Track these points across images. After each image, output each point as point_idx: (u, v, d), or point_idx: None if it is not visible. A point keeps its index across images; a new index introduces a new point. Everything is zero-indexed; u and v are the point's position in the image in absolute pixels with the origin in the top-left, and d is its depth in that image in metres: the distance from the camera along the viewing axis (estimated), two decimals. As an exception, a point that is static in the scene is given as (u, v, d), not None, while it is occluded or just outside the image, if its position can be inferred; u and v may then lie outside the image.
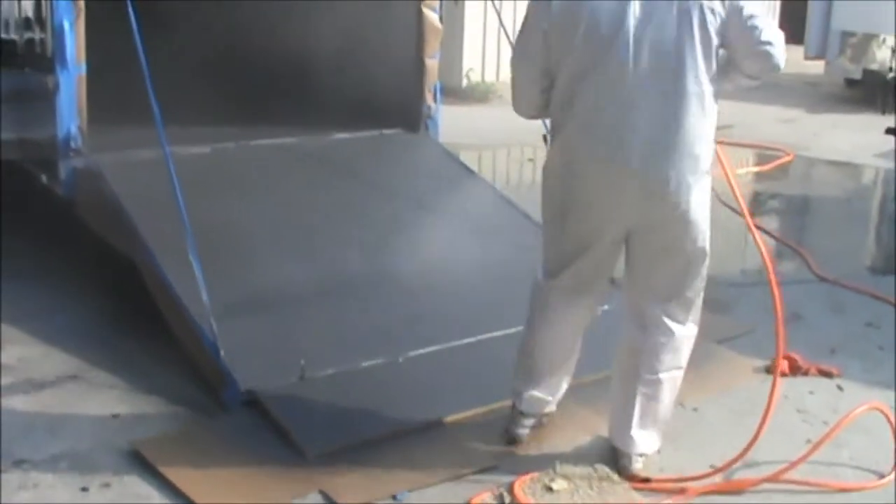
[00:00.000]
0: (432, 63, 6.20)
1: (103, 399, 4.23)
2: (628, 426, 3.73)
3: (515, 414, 3.94)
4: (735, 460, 3.78)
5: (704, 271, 3.67)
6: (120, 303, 5.17)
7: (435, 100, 6.26)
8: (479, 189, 5.84)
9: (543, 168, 3.74)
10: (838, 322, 5.48)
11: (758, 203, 8.44)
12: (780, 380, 4.52)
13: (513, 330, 4.58)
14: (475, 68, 11.50)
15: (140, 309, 4.80)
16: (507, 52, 11.69)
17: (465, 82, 11.23)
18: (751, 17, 3.43)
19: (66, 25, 5.08)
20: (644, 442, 3.76)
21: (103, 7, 5.12)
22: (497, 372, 4.04)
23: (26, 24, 5.78)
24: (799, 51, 16.48)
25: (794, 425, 4.23)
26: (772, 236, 7.08)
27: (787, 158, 9.58)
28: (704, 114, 3.45)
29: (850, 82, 12.98)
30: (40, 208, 5.96)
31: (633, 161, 3.43)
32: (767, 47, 3.44)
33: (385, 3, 6.22)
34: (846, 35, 12.59)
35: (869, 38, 12.39)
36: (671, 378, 3.73)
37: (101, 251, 5.19)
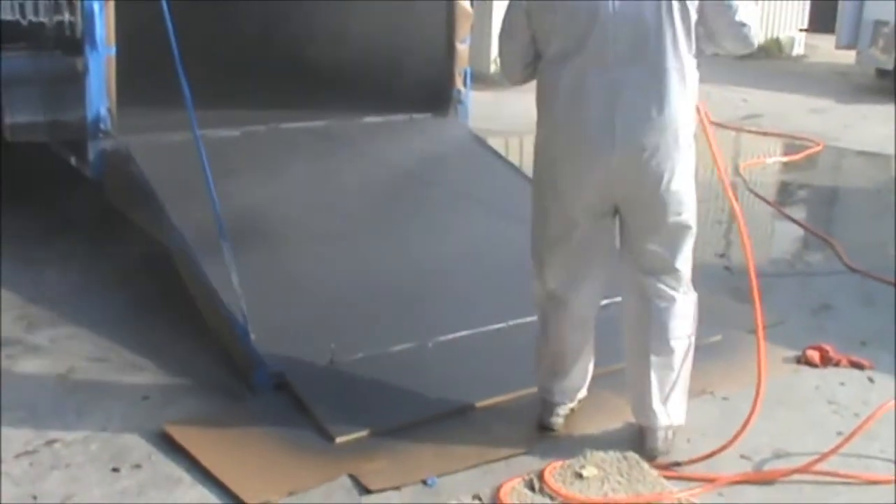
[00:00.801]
0: (463, 48, 6.16)
1: (133, 381, 4.25)
2: (648, 401, 3.73)
3: (547, 405, 3.93)
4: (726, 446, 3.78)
5: (691, 243, 3.69)
6: (149, 285, 5.19)
7: (465, 84, 6.22)
8: (509, 175, 5.79)
9: (533, 152, 3.78)
10: (869, 314, 5.42)
11: (787, 193, 8.39)
12: (812, 370, 4.60)
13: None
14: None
15: (169, 291, 4.82)
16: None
17: (492, 68, 11.18)
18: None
19: (96, 7, 5.08)
20: (666, 415, 3.75)
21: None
22: (527, 358, 4.01)
23: (56, 5, 5.79)
24: (829, 39, 16.39)
25: (825, 417, 4.19)
26: (801, 226, 7.03)
27: (816, 148, 9.49)
28: (685, 89, 3.51)
29: (882, 72, 12.85)
30: (69, 190, 5.98)
31: (617, 138, 3.47)
32: (743, 29, 3.55)
33: (417, -13, 6.20)
34: (879, 24, 12.45)
35: (901, 28, 12.26)
36: (682, 346, 3.72)
37: (130, 233, 5.20)
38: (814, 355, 4.70)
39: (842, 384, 4.51)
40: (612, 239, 3.74)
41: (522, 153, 8.61)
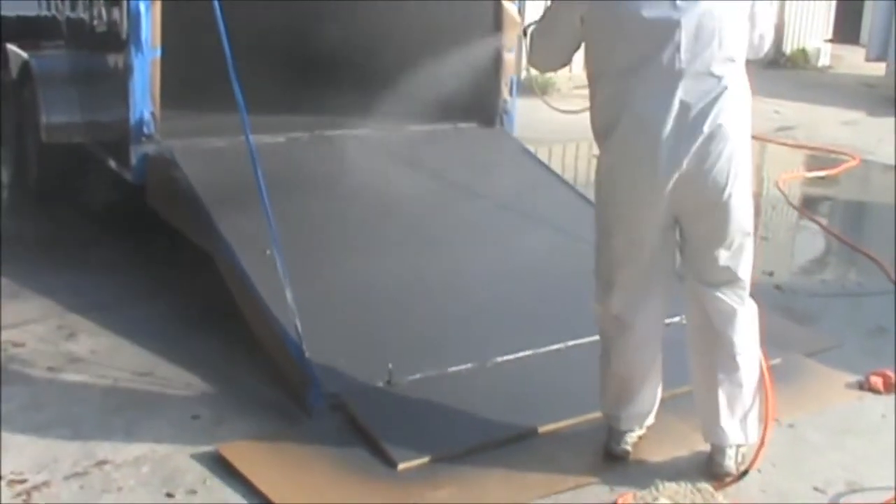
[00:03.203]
0: (510, 56, 6.08)
1: (181, 398, 4.11)
2: (717, 418, 3.65)
3: (615, 432, 3.80)
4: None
5: (751, 251, 3.62)
6: (193, 294, 5.06)
7: (511, 94, 6.10)
8: (559, 188, 5.67)
9: (596, 173, 3.69)
10: (926, 335, 5.29)
11: (827, 208, 8.26)
12: (876, 397, 4.46)
13: (601, 337, 4.46)
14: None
15: (214, 302, 4.69)
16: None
17: (524, 75, 11.05)
18: (759, 4, 3.54)
19: (143, 7, 4.97)
20: (735, 433, 3.67)
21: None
22: (588, 379, 3.88)
23: (97, 3, 5.66)
24: (853, 50, 16.30)
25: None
26: (847, 243, 6.89)
27: (853, 163, 9.36)
28: (743, 97, 3.49)
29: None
30: (108, 193, 5.85)
31: (682, 152, 3.40)
32: (766, 39, 3.64)
33: (464, -5, 6.07)
34: (909, 37, 12.38)
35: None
36: (748, 362, 3.64)
37: (172, 239, 5.05)
38: (877, 381, 4.59)
39: (910, 411, 4.38)
40: (674, 254, 3.68)
41: (564, 163, 8.55)
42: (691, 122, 3.39)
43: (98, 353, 4.48)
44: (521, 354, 4.29)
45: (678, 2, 3.38)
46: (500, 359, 4.25)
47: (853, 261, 6.60)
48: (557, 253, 4.99)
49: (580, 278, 4.76)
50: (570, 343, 4.38)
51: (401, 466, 3.58)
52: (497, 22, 6.02)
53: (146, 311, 4.91)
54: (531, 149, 6.31)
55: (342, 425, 3.84)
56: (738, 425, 3.67)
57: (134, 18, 4.96)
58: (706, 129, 3.39)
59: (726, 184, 3.44)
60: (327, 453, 3.67)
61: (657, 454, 3.82)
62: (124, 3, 5.04)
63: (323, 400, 3.91)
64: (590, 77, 3.60)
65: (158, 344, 4.53)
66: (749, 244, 3.58)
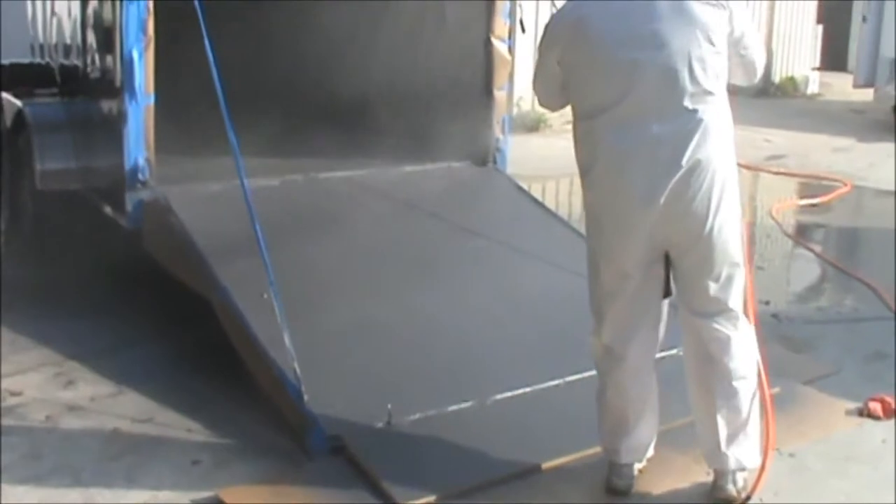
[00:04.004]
0: (501, 95, 6.11)
1: (181, 444, 4.10)
2: (718, 444, 3.65)
3: (615, 467, 3.80)
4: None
5: (741, 281, 3.62)
6: (190, 339, 5.06)
7: (503, 132, 6.14)
8: (553, 225, 5.69)
9: (583, 208, 3.74)
10: (924, 360, 5.29)
11: (822, 235, 8.28)
12: (876, 423, 4.45)
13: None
14: (525, 97, 11.34)
15: (212, 346, 4.68)
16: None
17: (514, 111, 11.10)
18: (744, 32, 3.54)
19: (136, 55, 4.98)
20: (736, 458, 3.67)
21: (169, 35, 5.01)
22: (588, 415, 3.88)
23: (90, 50, 5.70)
24: (841, 77, 16.42)
25: (897, 473, 4.07)
26: (842, 270, 6.91)
27: (844, 189, 9.41)
28: (722, 128, 3.48)
29: (906, 111, 12.82)
30: (103, 241, 5.85)
31: (659, 189, 3.42)
32: (757, 64, 3.66)
33: (454, 34, 6.12)
34: (896, 62, 12.48)
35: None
36: (746, 387, 3.64)
37: (170, 287, 5.05)
38: (877, 407, 4.59)
39: (910, 436, 4.38)
40: (662, 286, 3.67)
41: (558, 199, 8.57)
42: (667, 157, 3.41)
43: (97, 399, 4.47)
44: (520, 391, 4.28)
45: (645, 41, 3.40)
46: (499, 396, 4.24)
47: (849, 287, 6.61)
48: (553, 288, 5.00)
49: (576, 313, 4.77)
50: (569, 378, 4.37)
51: (403, 508, 3.57)
52: (488, 61, 6.06)
53: (145, 356, 4.92)
54: (524, 185, 6.33)
55: (343, 468, 3.83)
56: (739, 450, 3.67)
57: (127, 66, 4.97)
58: (684, 163, 3.40)
59: (707, 217, 3.46)
60: (329, 496, 3.66)
61: (658, 487, 3.82)
62: (118, 51, 5.06)
63: (324, 442, 3.90)
64: (573, 115, 3.65)
65: (158, 389, 4.53)
66: (738, 273, 3.59)
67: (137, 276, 5.62)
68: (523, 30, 6.16)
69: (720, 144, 3.47)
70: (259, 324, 4.23)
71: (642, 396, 3.76)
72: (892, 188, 9.52)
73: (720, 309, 3.58)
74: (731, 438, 3.65)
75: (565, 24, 3.58)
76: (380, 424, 3.99)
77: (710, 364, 3.62)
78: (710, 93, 3.44)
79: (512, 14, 6.14)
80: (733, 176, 3.54)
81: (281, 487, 3.73)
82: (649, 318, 3.68)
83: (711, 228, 3.47)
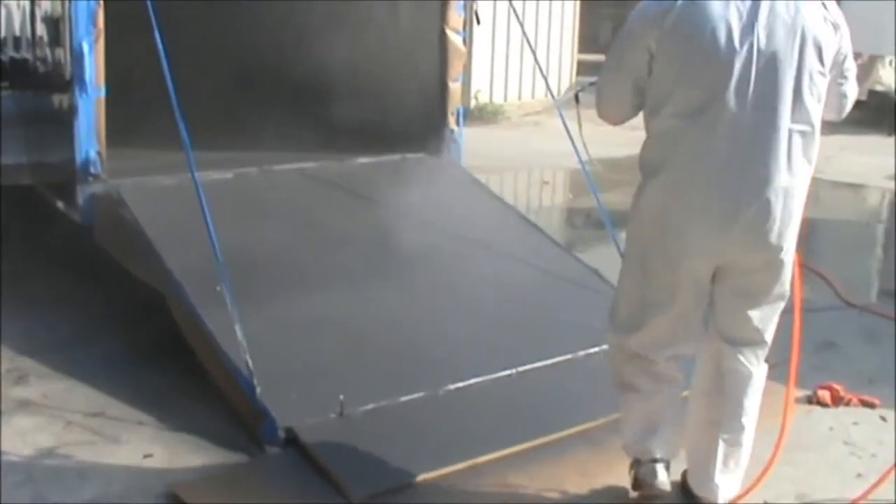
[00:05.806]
0: (455, 86, 6.12)
1: (133, 438, 4.08)
2: (711, 474, 3.56)
3: (648, 464, 3.61)
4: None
5: (778, 316, 3.50)
6: (144, 333, 5.03)
7: (458, 123, 6.15)
8: (508, 216, 5.72)
9: (633, 209, 3.42)
10: (873, 350, 5.37)
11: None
12: (824, 411, 4.52)
13: (552, 361, 4.52)
14: (483, 90, 11.39)
15: (165, 340, 4.66)
16: (514, 74, 11.77)
17: (472, 103, 11.13)
18: (847, 58, 3.30)
19: (86, 47, 4.93)
20: (727, 489, 3.60)
21: (119, 28, 4.98)
22: (538, 404, 3.91)
23: (40, 43, 5.65)
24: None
25: (843, 459, 4.15)
26: (795, 261, 6.96)
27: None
28: (810, 156, 3.23)
29: (856, 103, 12.89)
30: (55, 235, 5.81)
31: (743, 206, 3.17)
32: (850, 98, 3.43)
33: (408, 26, 6.13)
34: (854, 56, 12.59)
35: (874, 60, 12.35)
36: (751, 424, 3.56)
37: (122, 280, 5.03)
38: (825, 395, 4.66)
39: (855, 424, 4.46)
40: (707, 304, 3.43)
41: (516, 191, 8.59)
42: (756, 179, 3.14)
43: (50, 396, 4.43)
44: (472, 381, 4.30)
45: (756, 42, 3.09)
46: (451, 386, 4.26)
47: (801, 277, 6.66)
48: (506, 280, 5.03)
49: (529, 305, 4.84)
50: (521, 368, 4.41)
51: (354, 499, 3.57)
52: (443, 53, 6.06)
53: (98, 351, 4.87)
54: (482, 178, 6.34)
55: (297, 459, 3.83)
56: (730, 480, 3.59)
57: (77, 58, 4.92)
58: (773, 188, 3.14)
59: (782, 246, 3.25)
60: (284, 488, 3.67)
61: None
62: (68, 43, 5.02)
63: (277, 434, 3.90)
64: (648, 109, 3.30)
65: (111, 383, 4.50)
66: (781, 306, 3.43)
67: (92, 270, 5.58)
68: (478, 21, 6.17)
69: (807, 174, 3.24)
70: (211, 317, 4.23)
71: (667, 397, 3.60)
72: (848, 180, 9.64)
73: (754, 340, 3.45)
74: (725, 469, 3.56)
75: (671, 2, 3.16)
76: (332, 415, 4.00)
77: (722, 400, 3.50)
78: (810, 113, 3.16)
79: (467, 6, 6.16)
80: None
81: (234, 481, 3.73)
82: (690, 334, 3.46)
83: (782, 258, 3.29)
